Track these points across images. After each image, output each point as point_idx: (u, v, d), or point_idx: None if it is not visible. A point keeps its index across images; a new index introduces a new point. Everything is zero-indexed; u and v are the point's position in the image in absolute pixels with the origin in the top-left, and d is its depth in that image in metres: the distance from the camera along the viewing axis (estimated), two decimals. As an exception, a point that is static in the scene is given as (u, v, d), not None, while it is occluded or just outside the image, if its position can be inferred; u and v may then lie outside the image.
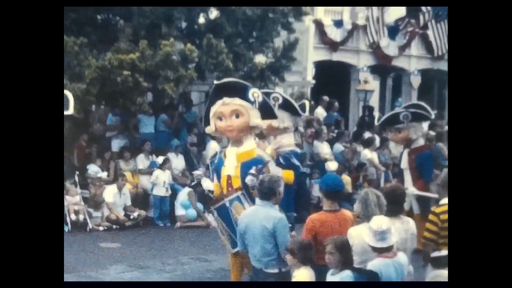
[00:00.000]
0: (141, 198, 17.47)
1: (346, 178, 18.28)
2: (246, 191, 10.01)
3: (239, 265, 10.28)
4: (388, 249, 7.33)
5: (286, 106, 12.64)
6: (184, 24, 19.08)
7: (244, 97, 10.32)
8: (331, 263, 7.55)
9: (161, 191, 17.06)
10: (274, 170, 11.53)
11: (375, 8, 28.48)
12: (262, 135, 12.84)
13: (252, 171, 9.95)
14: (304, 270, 7.68)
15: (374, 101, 30.59)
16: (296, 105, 12.96)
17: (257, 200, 8.35)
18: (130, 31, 17.62)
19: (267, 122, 11.55)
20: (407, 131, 13.38)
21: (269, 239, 8.04)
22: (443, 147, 19.56)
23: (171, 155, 17.80)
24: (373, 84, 29.77)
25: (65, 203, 15.48)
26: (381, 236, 7.26)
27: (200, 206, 16.88)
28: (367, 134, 21.34)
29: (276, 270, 8.09)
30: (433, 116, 14.25)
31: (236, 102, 10.27)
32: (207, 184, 11.00)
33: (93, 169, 17.23)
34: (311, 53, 27.55)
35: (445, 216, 7.85)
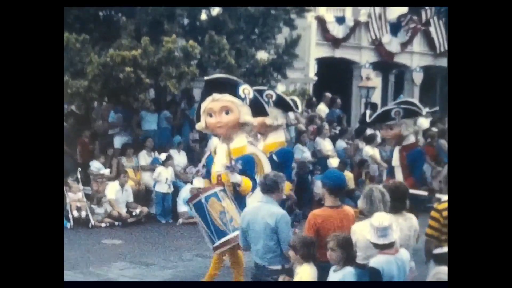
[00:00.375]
0: (143, 195, 17.48)
1: (348, 175, 18.28)
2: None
3: (218, 261, 10.25)
4: (390, 245, 7.32)
5: (280, 103, 12.64)
6: (186, 21, 19.06)
7: (235, 93, 10.25)
8: (333, 259, 7.55)
9: (163, 187, 17.06)
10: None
11: (377, 4, 28.47)
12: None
13: (228, 164, 9.93)
14: (307, 266, 7.68)
15: (376, 97, 30.55)
16: (290, 102, 12.94)
17: (260, 196, 8.36)
18: (132, 27, 17.62)
19: (260, 119, 11.54)
20: (398, 128, 13.17)
21: (271, 235, 8.05)
22: (445, 144, 19.56)
23: (173, 152, 17.81)
24: (375, 80, 29.74)
25: (68, 200, 15.50)
26: (383, 232, 7.26)
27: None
28: (369, 131, 21.32)
29: (279, 267, 8.10)
30: (424, 113, 14.09)
31: (226, 99, 10.21)
32: (199, 183, 10.90)
33: (95, 165, 17.24)
34: (313, 50, 27.53)
35: (447, 213, 7.85)
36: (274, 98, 12.58)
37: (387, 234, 7.26)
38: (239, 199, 10.03)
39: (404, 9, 29.58)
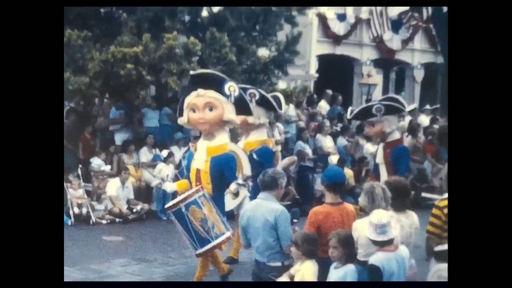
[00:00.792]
0: (144, 192, 17.48)
1: (348, 172, 18.28)
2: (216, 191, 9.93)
3: (205, 265, 10.22)
4: (389, 242, 7.32)
5: (263, 102, 12.56)
6: (187, 18, 19.05)
7: (220, 90, 10.13)
8: (335, 257, 7.56)
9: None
10: (248, 171, 11.49)
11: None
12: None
13: (240, 180, 9.94)
14: (309, 263, 7.69)
15: (377, 94, 30.56)
16: (273, 101, 12.81)
17: (260, 193, 8.37)
18: (133, 24, 17.61)
19: (242, 116, 11.49)
20: (381, 124, 13.05)
21: (271, 232, 8.06)
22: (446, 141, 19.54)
23: (174, 149, 17.80)
24: (377, 78, 29.79)
25: (68, 196, 15.51)
26: (382, 229, 7.25)
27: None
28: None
29: (279, 264, 8.11)
30: (407, 109, 13.94)
31: (210, 95, 10.09)
32: (170, 187, 10.82)
33: (96, 162, 17.25)
34: (314, 47, 27.57)
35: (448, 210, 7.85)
36: (257, 97, 12.50)
37: (386, 231, 7.26)
38: (217, 199, 9.97)
39: (405, 7, 29.62)
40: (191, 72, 10.79)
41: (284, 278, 7.90)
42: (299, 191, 18.14)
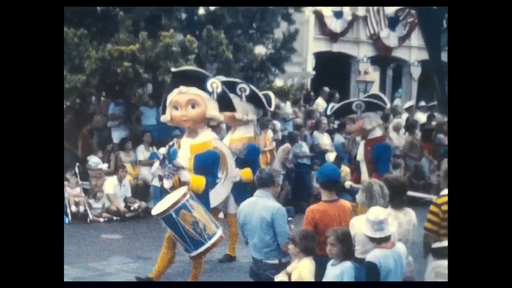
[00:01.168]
0: (141, 190, 17.46)
1: (345, 169, 18.28)
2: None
3: (198, 263, 10.13)
4: (386, 239, 7.34)
5: (253, 98, 12.41)
6: (184, 15, 19.04)
7: (203, 87, 10.02)
8: (333, 254, 7.58)
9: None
10: (232, 168, 11.44)
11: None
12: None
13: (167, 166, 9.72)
14: (306, 260, 7.70)
15: (374, 92, 30.56)
16: (263, 98, 12.65)
17: (257, 191, 8.37)
18: (130, 22, 17.59)
19: (229, 114, 11.41)
20: (361, 121, 12.80)
21: (268, 229, 8.08)
22: (444, 138, 19.56)
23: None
24: (373, 75, 29.82)
25: (66, 195, 15.48)
26: (379, 226, 7.27)
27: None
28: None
29: (276, 261, 8.13)
30: (388, 106, 13.77)
31: (192, 92, 9.96)
32: (167, 185, 10.68)
33: (93, 160, 17.24)
34: (311, 44, 27.60)
35: (446, 207, 7.85)
36: (247, 92, 12.33)
37: (383, 227, 7.28)
38: (203, 197, 9.84)
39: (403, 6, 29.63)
40: (173, 70, 10.70)
41: (281, 276, 7.91)
42: (296, 189, 18.15)
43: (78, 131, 18.03)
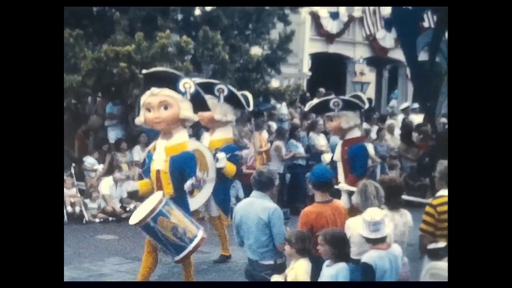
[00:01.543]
0: (137, 190, 17.42)
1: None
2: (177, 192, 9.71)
3: (187, 264, 10.07)
4: (382, 240, 7.34)
5: (231, 98, 12.26)
6: (180, 16, 19.05)
7: (175, 87, 9.87)
8: (322, 254, 7.60)
9: (157, 183, 17.02)
10: (219, 157, 11.45)
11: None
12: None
13: (193, 180, 9.58)
14: (303, 261, 7.70)
15: (370, 93, 30.62)
16: (241, 98, 12.49)
17: (253, 192, 8.37)
18: (126, 23, 17.61)
19: (208, 113, 11.31)
20: (338, 120, 12.58)
21: (264, 230, 8.08)
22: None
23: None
24: (369, 76, 29.86)
25: (61, 195, 15.50)
26: (375, 227, 7.28)
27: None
28: (364, 126, 21.30)
29: (271, 262, 8.13)
30: (366, 106, 13.59)
31: (164, 93, 9.79)
32: (132, 185, 10.62)
33: (89, 161, 17.23)
34: (307, 45, 27.62)
35: (442, 208, 7.86)
36: (225, 93, 12.15)
37: (379, 228, 7.29)
38: (180, 200, 9.76)
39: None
40: (143, 71, 10.48)
41: (278, 277, 7.91)
42: (291, 190, 18.16)
43: (74, 131, 18.02)
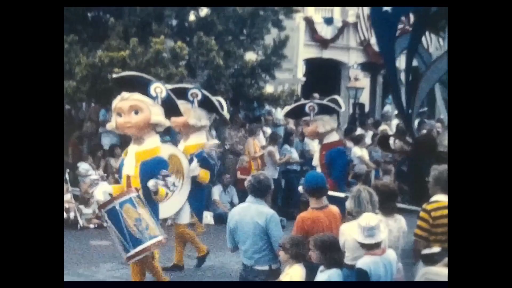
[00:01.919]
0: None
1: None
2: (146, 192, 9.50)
3: (138, 270, 9.97)
4: (377, 245, 7.35)
5: (205, 103, 12.08)
6: (174, 22, 19.08)
7: (146, 92, 9.69)
8: (313, 259, 7.62)
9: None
10: (191, 167, 11.38)
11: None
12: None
13: (159, 176, 9.38)
14: (297, 267, 7.71)
15: (364, 98, 30.64)
16: (215, 102, 12.31)
17: (249, 197, 8.37)
18: (121, 28, 17.62)
19: (182, 118, 11.19)
20: (315, 124, 12.63)
21: (261, 235, 8.08)
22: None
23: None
24: (364, 81, 29.86)
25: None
26: (370, 232, 7.28)
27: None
28: (358, 131, 21.33)
29: (266, 267, 8.14)
30: (342, 110, 13.52)
31: (134, 97, 9.61)
32: (105, 188, 10.36)
33: (83, 167, 17.21)
34: (301, 51, 27.63)
35: (436, 213, 7.87)
36: (199, 97, 11.98)
37: (374, 234, 7.29)
38: (150, 206, 9.52)
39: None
40: (114, 76, 10.39)
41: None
42: (286, 195, 18.16)
43: (68, 137, 18.00)
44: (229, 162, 18.21)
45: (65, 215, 15.62)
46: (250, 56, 19.92)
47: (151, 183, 9.37)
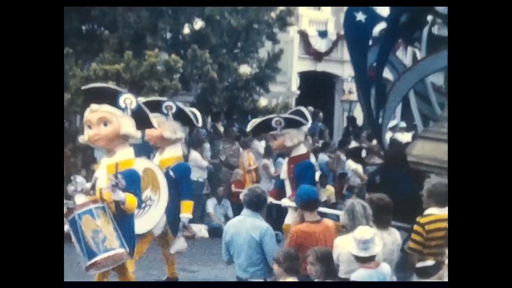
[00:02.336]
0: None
1: (330, 189, 18.33)
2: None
3: (102, 277, 9.78)
4: (371, 258, 7.35)
5: (180, 115, 11.86)
6: (169, 35, 19.13)
7: (115, 103, 9.50)
8: (313, 273, 7.61)
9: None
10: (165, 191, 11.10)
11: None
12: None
13: (112, 182, 9.10)
14: (291, 280, 7.70)
15: (358, 111, 30.62)
16: (190, 115, 12.04)
17: (244, 210, 8.38)
18: (115, 41, 17.66)
19: (157, 131, 11.08)
20: (282, 138, 12.35)
21: (256, 249, 8.09)
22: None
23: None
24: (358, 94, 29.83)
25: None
26: (364, 245, 7.28)
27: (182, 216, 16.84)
28: (352, 144, 21.33)
29: (261, 280, 8.12)
30: (309, 123, 13.46)
31: (103, 109, 9.40)
32: (81, 200, 9.89)
33: (77, 180, 17.15)
34: (295, 64, 27.67)
35: (430, 227, 7.88)
36: (174, 110, 11.75)
37: (369, 247, 7.29)
38: (123, 219, 9.30)
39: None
40: (82, 88, 10.21)
41: None
42: (280, 208, 18.12)
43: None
44: (223, 175, 18.20)
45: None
46: (244, 69, 19.96)
47: (106, 192, 9.16)
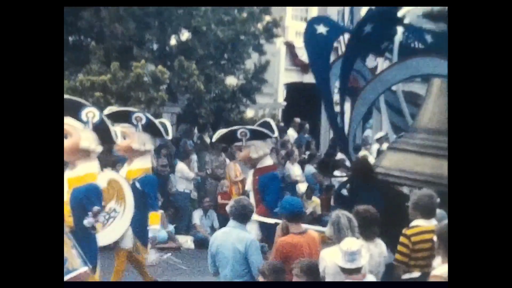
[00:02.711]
0: (112, 220, 17.34)
1: (315, 201, 18.36)
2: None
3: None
4: (357, 270, 7.34)
5: (149, 127, 11.73)
6: (155, 46, 19.14)
7: (77, 116, 9.38)
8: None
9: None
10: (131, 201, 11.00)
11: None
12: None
13: (90, 214, 8.98)
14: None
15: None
16: (160, 126, 11.95)
17: (230, 221, 8.38)
18: (102, 52, 17.64)
19: (126, 142, 11.10)
20: (247, 150, 12.47)
21: (241, 261, 8.09)
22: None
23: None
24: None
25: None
26: (351, 257, 7.27)
27: (171, 228, 16.82)
28: (339, 156, 21.35)
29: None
30: (275, 135, 13.47)
31: (65, 122, 9.06)
32: None
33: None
34: (282, 75, 27.66)
35: (416, 238, 7.90)
36: (143, 121, 11.62)
37: (355, 258, 7.28)
38: (82, 233, 9.13)
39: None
40: None
41: None
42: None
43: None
44: (209, 186, 18.19)
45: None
46: (231, 81, 19.99)
47: (85, 223, 9.06)
